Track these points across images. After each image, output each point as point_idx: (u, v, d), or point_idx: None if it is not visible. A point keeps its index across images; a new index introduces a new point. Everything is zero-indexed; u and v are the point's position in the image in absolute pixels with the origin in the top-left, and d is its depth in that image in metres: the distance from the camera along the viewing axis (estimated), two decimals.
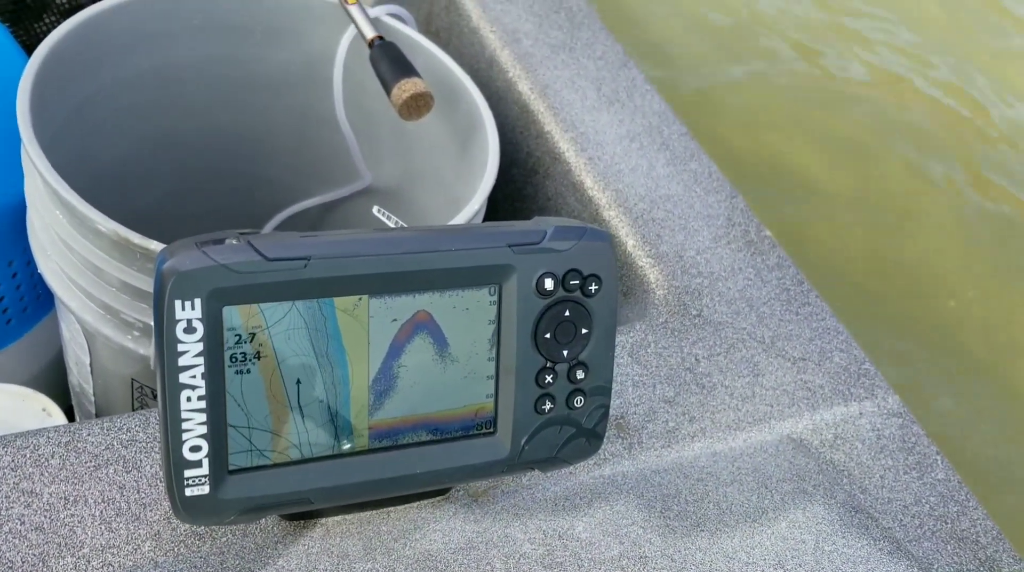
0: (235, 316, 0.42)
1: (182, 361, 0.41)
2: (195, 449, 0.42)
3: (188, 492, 0.43)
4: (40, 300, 0.82)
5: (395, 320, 0.45)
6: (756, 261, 0.73)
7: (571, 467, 0.55)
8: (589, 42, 0.87)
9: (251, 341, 0.43)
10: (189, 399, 0.42)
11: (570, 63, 0.85)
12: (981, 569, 0.58)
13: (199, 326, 0.41)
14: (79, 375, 0.74)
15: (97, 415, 0.76)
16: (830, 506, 0.56)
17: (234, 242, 0.42)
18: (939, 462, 0.63)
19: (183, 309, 0.41)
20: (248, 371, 0.43)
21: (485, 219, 0.73)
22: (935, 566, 0.57)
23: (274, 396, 0.44)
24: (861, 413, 0.65)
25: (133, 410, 0.72)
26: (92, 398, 0.75)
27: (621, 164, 0.77)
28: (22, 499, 0.49)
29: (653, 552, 0.52)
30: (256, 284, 0.42)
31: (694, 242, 0.73)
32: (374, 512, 0.51)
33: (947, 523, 0.60)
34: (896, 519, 0.59)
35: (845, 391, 0.66)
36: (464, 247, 0.46)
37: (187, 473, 0.42)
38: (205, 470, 0.43)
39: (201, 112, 0.82)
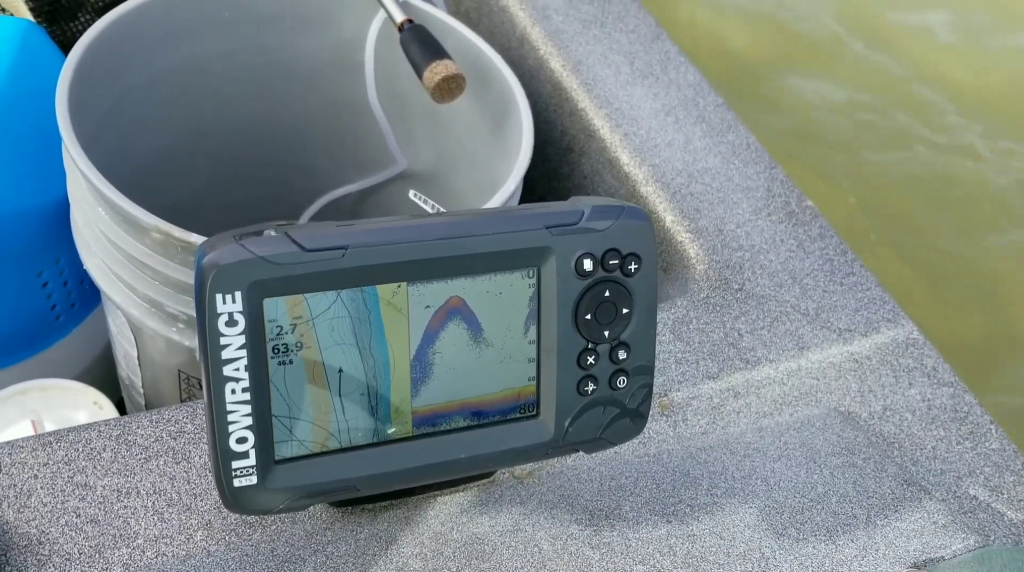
0: (276, 307, 0.42)
1: (225, 354, 0.42)
2: (241, 440, 0.43)
3: (236, 483, 0.43)
4: (87, 295, 0.84)
5: (428, 306, 0.45)
6: (798, 232, 0.72)
7: (616, 447, 0.55)
8: (620, 15, 0.86)
9: (293, 331, 0.43)
10: (234, 391, 0.42)
11: (602, 38, 0.84)
12: None
13: (240, 319, 0.41)
14: (127, 368, 0.76)
15: (147, 406, 0.77)
16: (881, 479, 0.55)
17: (272, 234, 0.42)
18: (993, 431, 0.62)
19: (224, 302, 0.41)
20: (291, 362, 0.43)
21: (521, 199, 0.72)
22: (992, 537, 0.56)
23: (317, 385, 0.44)
24: (911, 383, 0.64)
25: (181, 400, 0.73)
26: (141, 390, 0.76)
27: (657, 138, 0.76)
28: (77, 492, 0.50)
29: (701, 530, 0.51)
30: (295, 275, 0.42)
31: (734, 215, 0.72)
32: (421, 497, 0.51)
33: (1003, 493, 0.59)
34: (950, 491, 0.58)
35: (893, 361, 0.64)
36: (502, 230, 0.46)
37: (235, 464, 0.43)
38: (252, 461, 0.43)
39: (235, 103, 0.82)
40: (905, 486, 0.55)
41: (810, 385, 0.62)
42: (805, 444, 0.58)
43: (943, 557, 0.51)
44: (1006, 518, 0.57)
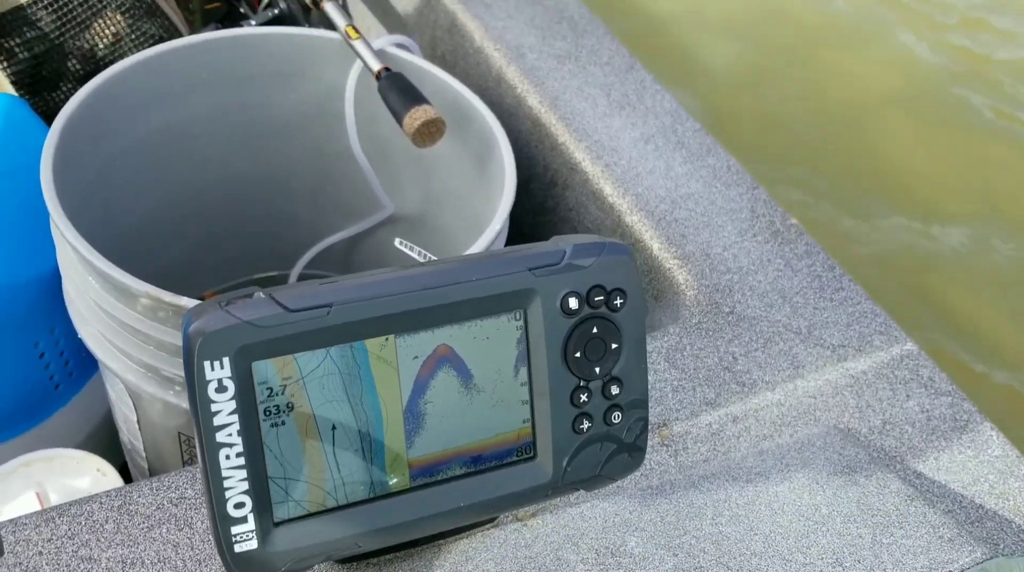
0: (265, 369, 0.43)
1: (217, 420, 0.42)
2: (239, 505, 0.43)
3: (237, 548, 0.43)
4: (84, 363, 0.84)
5: (416, 357, 0.45)
6: (784, 251, 0.72)
7: (617, 482, 0.55)
8: (594, 49, 0.87)
9: (283, 392, 0.43)
10: (228, 457, 0.42)
11: (577, 72, 0.85)
12: None
13: (230, 384, 0.42)
14: (128, 433, 0.76)
15: (150, 470, 0.77)
16: (884, 496, 0.55)
17: (261, 296, 0.43)
18: (995, 438, 0.62)
19: (212, 369, 0.41)
20: (283, 423, 0.43)
21: (508, 236, 0.73)
22: (1001, 545, 0.56)
23: (312, 444, 0.44)
24: (908, 395, 0.64)
25: (183, 461, 0.73)
26: (143, 454, 0.76)
27: (639, 167, 0.77)
28: (82, 566, 0.50)
29: (708, 561, 0.51)
30: (281, 337, 0.42)
31: (719, 238, 0.72)
32: (425, 547, 0.51)
33: (1009, 500, 0.58)
34: (956, 501, 0.58)
35: (889, 374, 0.64)
36: (485, 276, 0.46)
37: (234, 530, 0.43)
38: (251, 525, 0.43)
39: (219, 162, 0.83)
40: (909, 501, 0.55)
41: (808, 404, 0.62)
42: (807, 465, 0.58)
43: (952, 571, 0.51)
44: (1014, 525, 0.57)
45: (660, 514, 0.54)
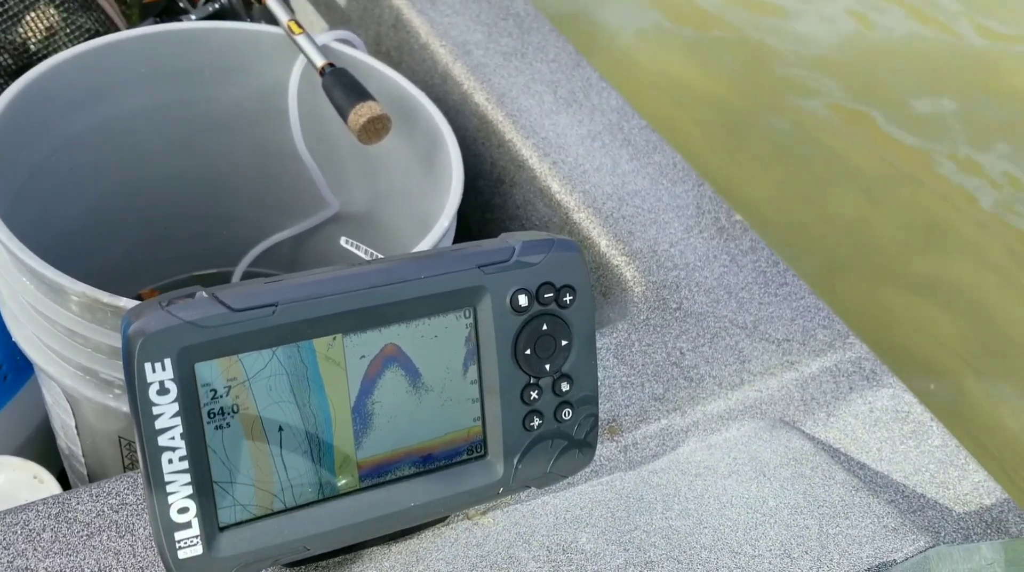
0: (209, 371, 0.42)
1: (159, 424, 0.41)
2: (183, 511, 0.42)
3: (181, 554, 0.42)
4: (19, 367, 0.81)
5: (363, 357, 0.45)
6: (730, 247, 0.73)
7: (568, 479, 0.55)
8: (540, 46, 0.87)
9: (228, 394, 0.42)
10: (171, 461, 0.41)
11: (524, 69, 0.84)
12: (988, 531, 0.58)
13: (172, 386, 0.41)
14: (66, 438, 0.74)
15: (89, 476, 0.75)
16: (830, 487, 0.56)
17: (203, 296, 0.42)
18: (935, 428, 0.63)
19: (154, 371, 0.40)
20: (228, 425, 0.42)
21: (456, 233, 0.72)
22: (942, 533, 0.57)
23: (258, 447, 0.43)
24: (851, 388, 0.65)
25: (123, 467, 0.71)
26: (82, 459, 0.74)
27: (585, 164, 0.77)
28: None
29: (658, 556, 0.51)
30: (225, 337, 0.41)
31: (666, 235, 0.73)
32: (375, 548, 0.50)
33: (949, 489, 0.60)
34: (898, 491, 0.59)
35: (832, 367, 0.65)
36: (434, 273, 0.46)
37: (178, 535, 0.42)
38: (196, 530, 0.42)
39: (160, 159, 0.81)
40: (854, 492, 0.56)
41: (754, 398, 0.63)
42: (754, 458, 0.58)
43: (895, 560, 0.52)
44: (954, 513, 0.58)
45: (610, 510, 0.54)
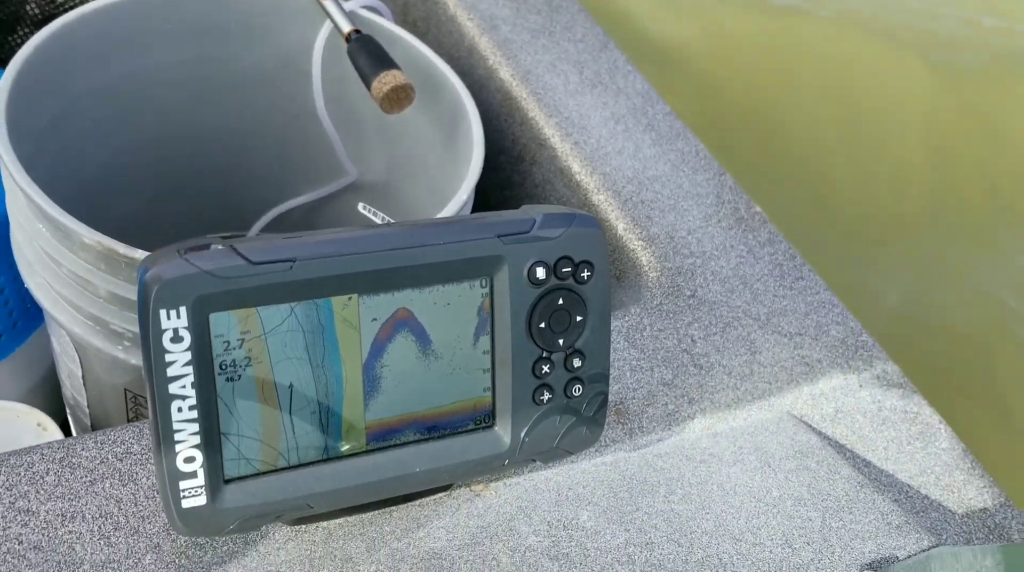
0: (224, 322, 0.41)
1: (171, 371, 0.41)
2: (189, 460, 0.42)
3: (185, 504, 0.42)
4: (29, 314, 0.81)
5: (375, 319, 0.45)
6: (747, 238, 0.72)
7: (572, 456, 0.55)
8: (568, 25, 0.87)
9: (241, 346, 0.42)
10: (180, 409, 0.41)
11: (551, 47, 0.84)
12: (991, 536, 0.58)
13: (186, 335, 0.40)
14: (72, 388, 0.74)
15: (93, 427, 0.75)
16: (834, 481, 0.56)
17: (218, 247, 0.41)
18: (942, 431, 0.63)
19: (168, 318, 0.40)
20: (239, 378, 0.42)
21: (473, 210, 0.72)
22: (944, 536, 0.57)
23: (267, 402, 0.43)
24: (861, 385, 0.64)
25: (128, 420, 0.71)
26: (87, 410, 0.74)
27: (607, 147, 0.76)
28: (19, 518, 0.48)
29: (659, 538, 0.51)
30: (242, 289, 0.41)
31: (684, 222, 0.72)
32: (376, 512, 0.50)
33: (954, 492, 0.59)
34: (902, 491, 0.59)
35: (843, 364, 0.65)
36: (453, 240, 0.45)
37: (183, 484, 0.42)
38: (201, 480, 0.42)
39: (180, 115, 0.81)
40: (858, 488, 0.56)
41: (763, 389, 0.63)
42: (759, 448, 0.58)
43: (897, 557, 0.52)
44: (957, 516, 0.58)
45: (613, 490, 0.54)
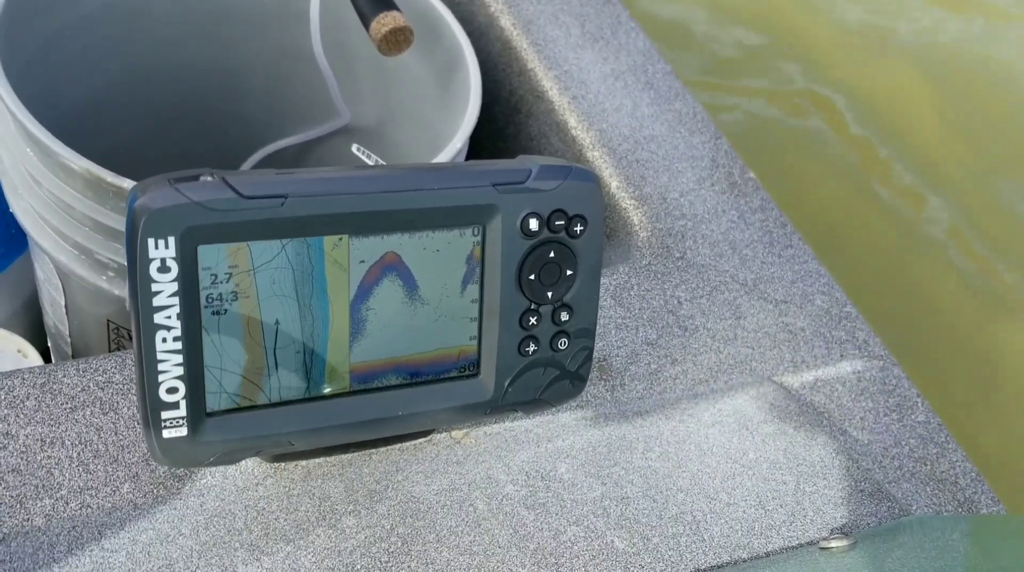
0: (212, 255, 0.41)
1: (156, 301, 0.40)
2: (172, 391, 0.42)
3: (166, 434, 0.42)
4: (13, 240, 0.80)
5: (363, 262, 0.44)
6: (739, 203, 0.72)
7: (554, 409, 0.55)
8: None
9: (229, 281, 0.42)
10: (164, 340, 0.41)
11: None
12: (960, 510, 0.59)
13: (173, 265, 0.40)
14: (54, 316, 0.73)
15: (73, 356, 0.75)
16: (811, 448, 0.56)
17: (209, 179, 0.41)
18: (919, 404, 0.63)
19: (156, 248, 0.40)
20: (225, 312, 0.42)
21: (467, 159, 0.71)
22: (914, 507, 0.58)
23: (252, 338, 0.43)
24: (842, 355, 0.65)
25: (110, 352, 0.71)
26: (68, 339, 0.73)
27: (605, 103, 0.76)
28: None
29: (635, 493, 0.52)
30: (232, 222, 0.41)
31: (678, 183, 0.72)
32: (356, 454, 0.51)
33: (926, 465, 0.60)
34: (876, 461, 0.59)
35: (826, 333, 0.66)
36: (448, 186, 0.45)
37: (164, 415, 0.42)
38: (182, 412, 0.42)
39: (173, 47, 0.79)
40: (834, 455, 0.56)
41: (745, 354, 0.63)
42: (738, 411, 0.58)
43: (868, 524, 0.52)
44: (928, 488, 0.59)
45: (592, 444, 0.54)
